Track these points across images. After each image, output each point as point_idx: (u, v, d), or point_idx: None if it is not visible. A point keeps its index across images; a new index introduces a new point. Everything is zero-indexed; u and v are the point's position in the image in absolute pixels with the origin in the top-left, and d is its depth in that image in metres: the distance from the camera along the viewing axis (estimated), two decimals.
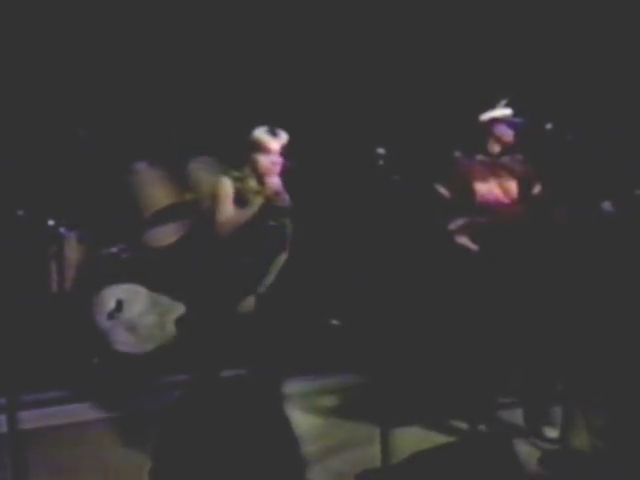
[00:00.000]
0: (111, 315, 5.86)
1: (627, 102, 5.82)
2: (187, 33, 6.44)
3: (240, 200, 4.23)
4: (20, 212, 5.95)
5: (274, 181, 4.28)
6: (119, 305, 5.84)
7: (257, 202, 4.20)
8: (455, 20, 6.57)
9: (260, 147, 4.29)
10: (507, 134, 4.88)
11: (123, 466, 4.46)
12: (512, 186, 4.87)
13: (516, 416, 5.00)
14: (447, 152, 5.09)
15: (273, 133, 4.32)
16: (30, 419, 5.00)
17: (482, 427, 4.86)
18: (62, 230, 5.88)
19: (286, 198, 4.38)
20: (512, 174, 4.89)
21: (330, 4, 6.65)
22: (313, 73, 6.68)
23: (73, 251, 5.95)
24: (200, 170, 5.48)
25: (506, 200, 4.84)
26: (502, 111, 4.89)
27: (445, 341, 5.40)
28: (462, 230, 4.76)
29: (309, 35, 6.65)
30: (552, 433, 4.73)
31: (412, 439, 4.36)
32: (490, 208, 4.82)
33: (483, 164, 4.92)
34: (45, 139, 6.14)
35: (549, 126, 4.62)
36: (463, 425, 4.93)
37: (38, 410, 5.16)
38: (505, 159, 4.93)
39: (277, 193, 4.27)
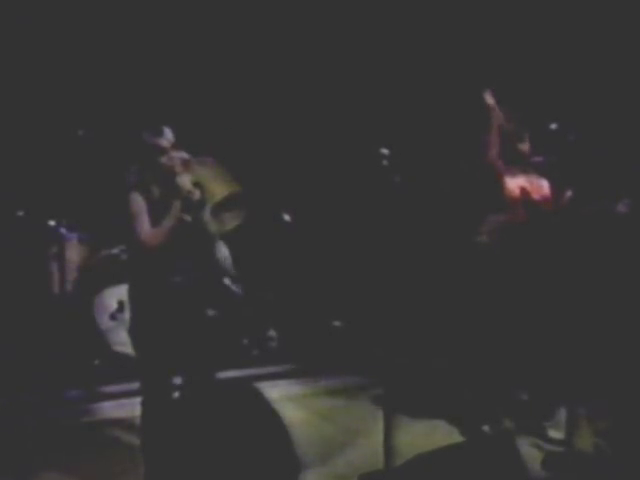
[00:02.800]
0: (113, 316, 5.85)
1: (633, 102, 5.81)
2: (185, 35, 6.43)
3: (161, 209, 4.13)
4: (21, 213, 5.95)
5: (183, 179, 4.15)
6: (121, 306, 5.83)
7: (176, 205, 4.10)
8: (458, 22, 6.57)
9: (153, 149, 4.17)
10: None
11: (123, 466, 4.46)
12: (544, 184, 4.87)
13: (520, 417, 4.98)
14: (451, 154, 5.09)
15: (158, 133, 4.20)
16: (32, 419, 5.02)
17: (486, 428, 4.86)
18: (63, 231, 5.87)
19: (197, 192, 4.20)
20: (543, 173, 4.90)
21: (338, 5, 6.65)
22: (318, 74, 6.67)
23: (74, 252, 5.94)
24: None
25: (536, 197, 4.83)
26: None
27: (449, 343, 5.39)
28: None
29: (316, 36, 6.64)
30: (556, 434, 4.72)
31: (415, 441, 4.35)
32: (517, 204, 4.84)
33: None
34: (46, 140, 6.13)
35: (553, 126, 4.62)
36: (467, 426, 4.91)
37: (40, 410, 5.15)
38: (536, 159, 4.95)
39: (190, 190, 4.14)
